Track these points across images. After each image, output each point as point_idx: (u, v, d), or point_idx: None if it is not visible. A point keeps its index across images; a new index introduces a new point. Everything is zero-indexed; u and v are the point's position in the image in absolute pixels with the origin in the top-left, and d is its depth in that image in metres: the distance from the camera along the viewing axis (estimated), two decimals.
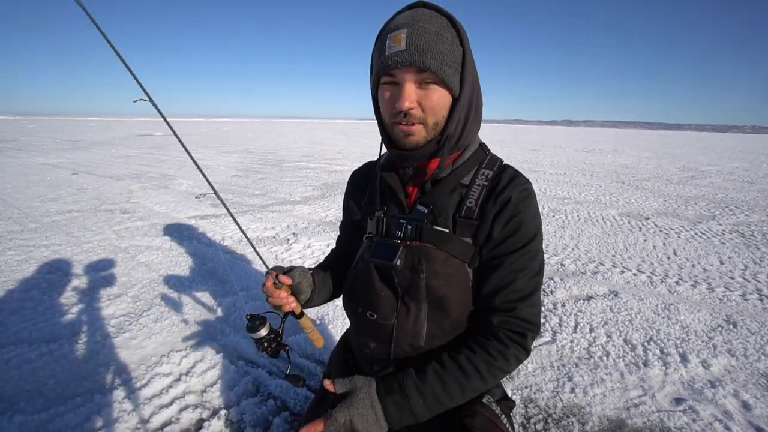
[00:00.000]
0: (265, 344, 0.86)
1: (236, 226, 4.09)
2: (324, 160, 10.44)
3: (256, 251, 0.91)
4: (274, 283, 0.83)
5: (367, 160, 1.04)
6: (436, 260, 0.77)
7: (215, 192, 0.86)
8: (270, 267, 0.86)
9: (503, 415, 0.86)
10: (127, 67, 0.72)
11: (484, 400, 0.85)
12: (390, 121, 0.75)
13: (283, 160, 10.38)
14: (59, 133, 21.66)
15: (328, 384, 0.75)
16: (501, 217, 0.76)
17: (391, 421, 0.70)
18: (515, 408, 1.64)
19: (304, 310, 0.92)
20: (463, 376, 0.73)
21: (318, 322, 2.27)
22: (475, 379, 0.74)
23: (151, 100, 0.77)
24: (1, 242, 3.50)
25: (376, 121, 0.81)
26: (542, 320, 2.31)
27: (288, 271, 0.88)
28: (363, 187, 0.95)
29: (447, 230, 0.78)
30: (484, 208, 0.77)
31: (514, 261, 0.76)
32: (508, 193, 0.76)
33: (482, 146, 0.85)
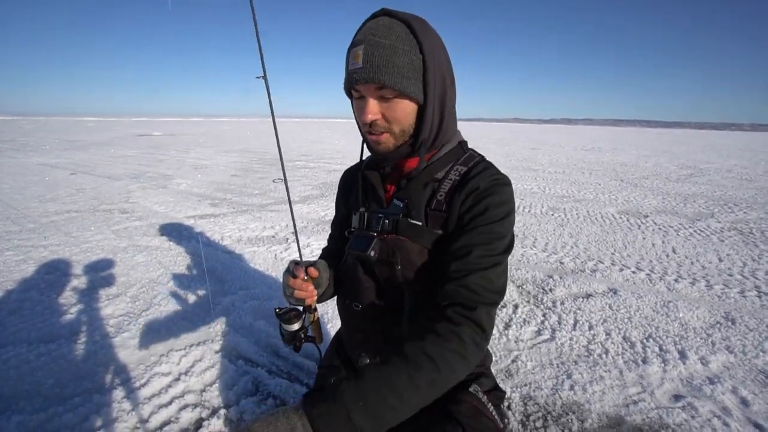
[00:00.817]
0: (294, 339, 0.89)
1: (235, 226, 4.09)
2: (323, 160, 10.43)
3: (298, 246, 0.93)
4: (306, 274, 0.84)
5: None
6: (410, 252, 0.79)
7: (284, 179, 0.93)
8: (292, 261, 0.88)
9: (490, 404, 0.86)
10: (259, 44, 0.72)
11: (470, 389, 0.86)
12: (362, 131, 0.80)
13: None
14: (57, 133, 21.61)
15: None
16: (465, 203, 0.77)
17: None
18: (515, 405, 1.64)
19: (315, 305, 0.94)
20: (411, 368, 0.60)
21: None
22: (427, 366, 0.61)
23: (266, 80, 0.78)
24: None
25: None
26: (542, 318, 2.32)
27: (312, 264, 0.88)
28: (352, 185, 0.99)
29: (420, 223, 0.80)
30: (452, 199, 0.78)
31: (474, 236, 0.74)
32: (476, 183, 0.77)
33: (461, 144, 0.86)
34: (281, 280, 0.91)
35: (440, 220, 0.79)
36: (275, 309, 0.90)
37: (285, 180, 0.91)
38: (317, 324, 0.97)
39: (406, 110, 0.74)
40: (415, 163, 0.81)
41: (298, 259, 0.89)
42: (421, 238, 0.79)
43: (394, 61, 0.68)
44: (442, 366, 0.62)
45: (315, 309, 0.93)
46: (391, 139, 0.76)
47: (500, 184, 0.77)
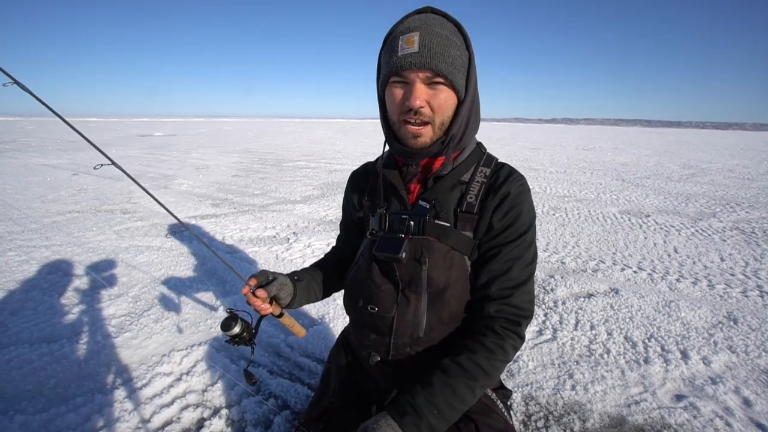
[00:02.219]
0: (237, 340, 0.92)
1: (236, 226, 4.09)
2: (324, 160, 10.44)
3: (228, 264, 0.90)
4: (253, 293, 0.87)
5: (367, 160, 1.07)
6: (438, 252, 0.80)
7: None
8: (257, 272, 0.91)
9: (500, 401, 0.90)
10: None
11: None
12: (399, 120, 0.77)
13: (283, 160, 10.38)
14: (59, 133, 21.65)
15: None
16: (500, 210, 0.79)
17: None
18: (517, 405, 1.64)
19: (285, 311, 0.97)
20: (469, 378, 0.74)
21: (319, 321, 2.27)
22: (481, 377, 0.74)
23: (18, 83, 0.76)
24: (1, 243, 3.50)
25: (379, 120, 0.84)
26: (544, 318, 2.32)
27: (269, 282, 0.90)
28: (363, 186, 0.98)
29: (448, 224, 0.81)
30: (484, 203, 0.81)
31: (510, 250, 0.79)
32: (507, 188, 0.80)
33: (479, 145, 0.89)
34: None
35: (472, 222, 0.81)
36: (226, 309, 0.95)
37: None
38: (292, 323, 1.02)
39: (449, 101, 0.75)
40: (440, 164, 0.82)
41: (267, 270, 0.93)
42: (449, 239, 0.80)
43: (449, 51, 0.71)
44: (492, 373, 0.76)
45: (281, 315, 0.96)
46: (430, 132, 0.76)
47: (526, 189, 0.82)
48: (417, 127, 0.75)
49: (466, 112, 0.78)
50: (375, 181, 0.92)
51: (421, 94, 0.72)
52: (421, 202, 0.82)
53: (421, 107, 0.72)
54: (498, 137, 24.34)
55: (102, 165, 0.95)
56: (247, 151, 13.12)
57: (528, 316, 0.80)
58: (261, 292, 0.87)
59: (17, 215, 4.48)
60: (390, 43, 0.74)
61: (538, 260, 3.19)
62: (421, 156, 0.79)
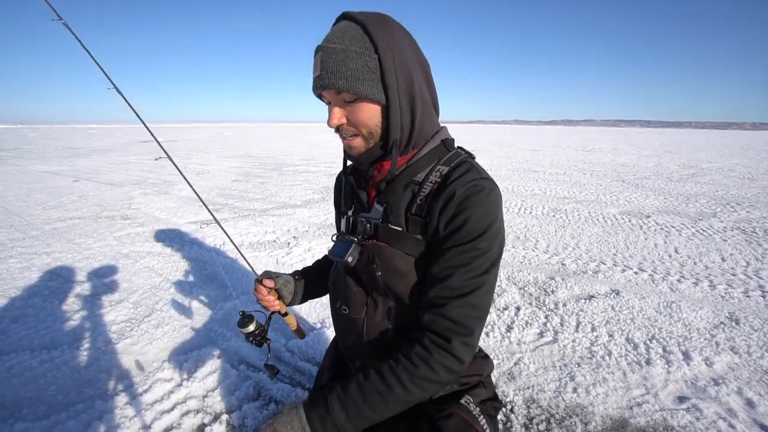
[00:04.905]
0: (251, 338, 1.05)
1: (237, 231, 4.10)
2: (324, 164, 10.46)
3: (244, 256, 1.02)
4: (260, 281, 0.99)
5: None
6: (391, 258, 0.77)
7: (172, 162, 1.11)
8: (260, 273, 1.01)
9: (483, 416, 0.85)
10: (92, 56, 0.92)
11: (462, 401, 0.85)
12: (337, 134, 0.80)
13: (283, 164, 10.40)
14: (60, 140, 21.75)
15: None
16: (445, 213, 0.72)
17: None
18: (518, 408, 1.63)
19: (288, 310, 1.08)
20: (384, 387, 0.71)
21: (319, 325, 2.27)
22: (398, 389, 0.70)
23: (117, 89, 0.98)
24: (2, 250, 3.51)
25: None
26: (545, 320, 2.31)
27: (270, 276, 1.01)
28: (339, 188, 1.01)
29: (400, 228, 0.77)
30: (431, 205, 0.74)
31: (454, 256, 0.71)
32: (452, 189, 0.72)
33: (444, 143, 0.82)
34: None
35: (420, 225, 0.76)
36: (239, 312, 1.07)
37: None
38: (294, 325, 1.16)
39: (368, 112, 0.73)
40: (389, 166, 0.79)
41: (270, 270, 1.03)
42: (401, 244, 0.77)
43: (347, 65, 0.68)
44: (412, 389, 0.71)
45: (286, 314, 1.08)
46: (362, 141, 0.76)
47: (479, 191, 0.71)
48: (348, 140, 0.77)
49: (400, 115, 0.73)
50: (342, 185, 0.97)
51: (335, 115, 0.73)
52: (376, 205, 0.80)
53: (340, 124, 0.74)
54: (497, 139, 24.37)
55: (160, 158, 1.21)
56: (247, 155, 13.15)
57: (464, 334, 0.70)
58: (268, 282, 0.97)
59: (19, 222, 4.49)
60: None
61: (538, 262, 3.20)
62: (366, 161, 0.79)
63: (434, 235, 0.74)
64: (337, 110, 0.74)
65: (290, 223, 4.44)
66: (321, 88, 0.71)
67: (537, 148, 16.39)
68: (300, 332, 1.18)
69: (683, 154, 14.53)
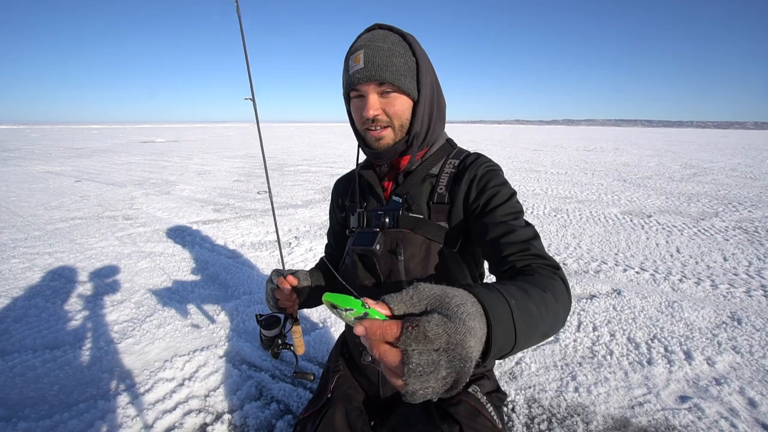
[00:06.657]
0: (271, 343, 0.96)
1: (238, 231, 4.11)
2: (324, 164, 10.46)
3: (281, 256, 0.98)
4: (285, 277, 0.91)
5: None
6: (413, 243, 0.83)
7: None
8: (274, 271, 0.95)
9: (490, 405, 0.88)
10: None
11: (470, 390, 0.88)
12: (362, 128, 0.84)
13: (284, 164, 10.41)
14: (62, 141, 21.82)
15: (378, 307, 0.46)
16: (471, 191, 0.81)
17: (495, 338, 0.45)
18: (520, 408, 1.63)
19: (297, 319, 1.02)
20: (538, 289, 0.57)
21: (321, 325, 2.27)
22: (549, 296, 0.58)
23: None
24: (5, 250, 3.52)
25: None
26: None
27: (293, 273, 0.95)
28: (346, 190, 1.04)
29: (421, 216, 0.84)
30: (453, 191, 0.84)
31: (504, 211, 0.77)
32: (473, 171, 0.83)
33: (449, 141, 0.93)
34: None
35: (444, 212, 0.83)
36: (256, 315, 0.99)
37: (270, 196, 0.96)
38: (299, 335, 1.04)
39: (404, 105, 0.81)
40: (407, 161, 0.87)
41: (280, 268, 0.96)
42: (423, 230, 0.83)
43: (392, 61, 0.78)
44: (557, 296, 0.60)
45: (296, 319, 1.01)
46: (391, 133, 0.82)
47: (496, 168, 0.84)
48: (378, 132, 0.82)
49: (425, 111, 0.83)
50: (354, 182, 0.99)
51: (373, 105, 0.79)
52: (394, 198, 0.87)
53: (376, 115, 0.80)
54: (498, 139, 24.34)
55: (263, 192, 1.25)
56: (248, 156, 13.17)
57: (557, 266, 0.67)
58: (292, 279, 0.92)
59: (21, 222, 4.50)
60: (345, 63, 0.82)
61: None
62: (388, 155, 0.84)
63: (465, 212, 0.82)
64: (375, 100, 0.79)
65: (291, 223, 4.45)
66: (366, 80, 0.77)
67: (538, 148, 16.37)
68: (301, 344, 1.04)
69: (685, 153, 14.50)
